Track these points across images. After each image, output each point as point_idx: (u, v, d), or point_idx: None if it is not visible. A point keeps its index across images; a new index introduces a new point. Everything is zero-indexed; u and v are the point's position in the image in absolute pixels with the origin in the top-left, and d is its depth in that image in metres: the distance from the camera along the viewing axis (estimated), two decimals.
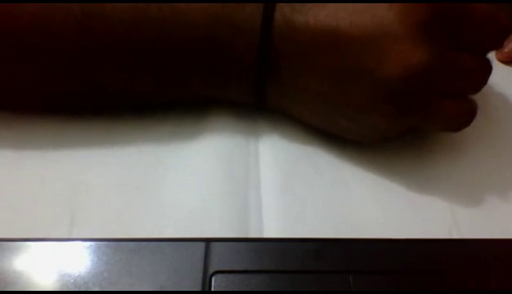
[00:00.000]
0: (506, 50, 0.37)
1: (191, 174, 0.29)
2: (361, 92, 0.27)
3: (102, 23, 0.27)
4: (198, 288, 0.23)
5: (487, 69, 0.28)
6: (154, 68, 0.29)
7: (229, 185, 0.29)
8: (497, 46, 0.30)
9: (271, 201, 0.29)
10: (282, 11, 0.27)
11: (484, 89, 0.29)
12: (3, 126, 0.30)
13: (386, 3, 0.26)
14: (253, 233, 0.27)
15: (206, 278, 0.23)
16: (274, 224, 0.28)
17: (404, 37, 0.26)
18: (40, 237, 0.25)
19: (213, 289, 0.23)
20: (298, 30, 0.27)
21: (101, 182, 0.28)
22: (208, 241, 0.25)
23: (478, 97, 0.29)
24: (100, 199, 0.28)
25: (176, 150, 0.30)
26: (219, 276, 0.24)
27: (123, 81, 0.30)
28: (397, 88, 0.26)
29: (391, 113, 0.27)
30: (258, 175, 0.30)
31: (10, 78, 0.29)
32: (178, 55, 0.28)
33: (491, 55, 0.35)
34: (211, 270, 0.24)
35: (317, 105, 0.29)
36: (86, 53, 0.28)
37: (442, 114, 0.28)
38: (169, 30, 0.27)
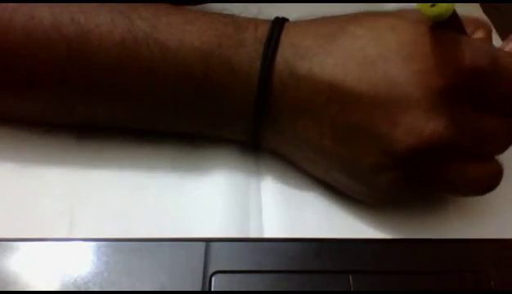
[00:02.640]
0: (506, 49, 0.37)
1: (192, 175, 0.29)
2: (367, 153, 0.25)
3: (88, 62, 0.26)
4: (198, 288, 0.23)
5: None
6: (143, 105, 0.28)
7: (230, 187, 0.29)
8: None
9: (271, 201, 0.29)
10: (285, 54, 0.25)
11: None
12: (6, 129, 0.30)
13: (400, 58, 0.24)
14: (253, 233, 0.27)
15: (206, 278, 0.23)
16: (274, 225, 0.28)
17: (419, 104, 0.23)
18: (40, 237, 0.25)
19: (213, 289, 0.23)
20: (302, 77, 0.25)
21: (101, 182, 0.28)
22: (208, 241, 0.25)
23: None
24: (100, 199, 0.28)
25: (177, 157, 0.30)
26: (219, 276, 0.24)
27: (110, 115, 0.29)
28: (408, 157, 0.24)
29: (399, 180, 0.25)
30: (259, 178, 0.30)
31: None
32: (168, 93, 0.27)
33: None
34: (211, 270, 0.24)
35: (318, 157, 0.27)
36: (72, 89, 0.27)
37: (463, 181, 0.25)
38: (158, 70, 0.26)
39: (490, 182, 0.26)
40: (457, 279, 0.24)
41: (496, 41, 0.39)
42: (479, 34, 0.27)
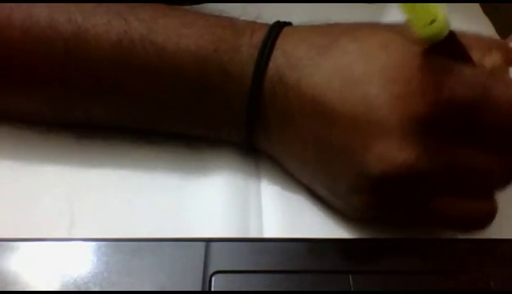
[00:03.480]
0: None
1: (192, 176, 0.29)
2: (344, 173, 0.24)
3: (85, 61, 0.26)
4: (198, 288, 0.23)
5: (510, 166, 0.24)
6: (140, 105, 0.28)
7: (230, 187, 0.29)
8: None
9: (271, 201, 0.29)
10: (276, 62, 0.25)
11: None
12: (5, 129, 0.30)
13: (383, 80, 0.23)
14: (253, 234, 0.27)
15: (206, 278, 0.23)
16: (274, 225, 0.28)
17: (394, 131, 0.22)
18: (40, 237, 0.25)
19: (213, 289, 0.23)
20: (290, 87, 0.25)
21: (101, 182, 0.28)
22: (208, 241, 0.25)
23: None
24: (100, 199, 0.28)
25: (177, 157, 0.30)
26: (219, 276, 0.24)
27: (108, 114, 0.29)
28: (379, 183, 0.23)
29: (373, 204, 0.25)
30: (259, 179, 0.30)
31: None
32: (164, 95, 0.27)
33: None
34: (211, 270, 0.24)
35: (301, 169, 0.27)
36: (69, 88, 0.27)
37: (446, 216, 0.25)
38: (154, 71, 0.26)
39: (478, 221, 0.25)
40: (457, 279, 0.24)
41: None
42: (493, 58, 0.25)
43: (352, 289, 0.24)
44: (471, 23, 0.41)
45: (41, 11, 0.26)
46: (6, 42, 0.26)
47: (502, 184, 0.25)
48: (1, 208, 0.27)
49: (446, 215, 0.25)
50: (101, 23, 0.26)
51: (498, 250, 0.26)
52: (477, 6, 0.43)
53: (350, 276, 0.24)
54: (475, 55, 0.25)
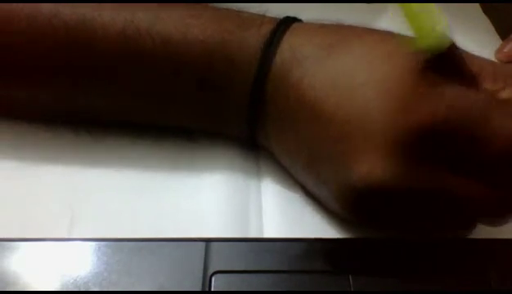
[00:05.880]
0: (506, 49, 0.36)
1: (192, 175, 0.29)
2: (330, 179, 0.25)
3: (89, 50, 0.26)
4: (198, 288, 0.23)
5: (505, 202, 0.24)
6: (143, 96, 0.28)
7: (230, 187, 0.29)
8: None
9: (271, 201, 0.29)
10: (283, 56, 0.25)
11: None
12: (5, 129, 0.30)
13: (379, 93, 0.23)
14: (253, 233, 0.27)
15: (206, 278, 0.23)
16: (274, 225, 0.28)
17: (382, 147, 0.22)
18: (40, 237, 0.25)
19: (213, 289, 0.23)
20: (291, 85, 0.25)
21: (101, 182, 0.28)
22: (208, 241, 0.25)
23: None
24: (100, 199, 0.28)
25: (177, 156, 0.30)
26: (219, 276, 0.24)
27: (111, 107, 0.29)
28: (361, 196, 0.23)
29: (352, 214, 0.25)
30: (259, 178, 0.30)
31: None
32: (168, 85, 0.27)
33: (492, 56, 0.35)
34: (211, 270, 0.24)
35: (295, 169, 0.28)
36: (73, 79, 0.27)
37: (416, 229, 0.26)
38: (160, 62, 0.26)
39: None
40: (457, 279, 0.24)
41: (496, 41, 0.39)
42: (506, 93, 0.24)
43: (352, 289, 0.24)
44: (471, 23, 0.41)
45: (47, 4, 0.26)
46: (13, 32, 0.26)
47: (499, 218, 0.25)
48: (1, 208, 0.27)
49: (420, 229, 0.26)
50: (107, 13, 0.26)
51: (498, 250, 0.26)
52: (477, 6, 0.43)
53: (350, 276, 0.24)
54: (488, 85, 0.24)
